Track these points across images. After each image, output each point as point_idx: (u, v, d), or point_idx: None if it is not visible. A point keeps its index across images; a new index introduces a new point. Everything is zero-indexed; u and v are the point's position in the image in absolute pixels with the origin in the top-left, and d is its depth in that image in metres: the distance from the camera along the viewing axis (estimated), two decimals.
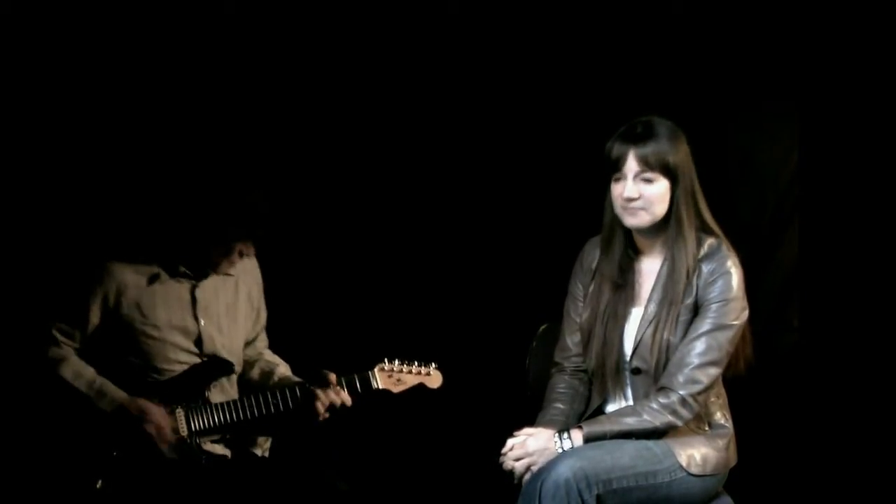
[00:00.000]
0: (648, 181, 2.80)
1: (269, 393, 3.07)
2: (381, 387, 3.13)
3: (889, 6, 3.52)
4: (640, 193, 2.80)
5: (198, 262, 3.10)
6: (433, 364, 3.19)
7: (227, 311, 3.17)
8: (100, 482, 2.93)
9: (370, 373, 3.13)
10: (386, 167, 3.84)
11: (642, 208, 2.81)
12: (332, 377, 3.08)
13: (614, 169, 2.82)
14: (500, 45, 3.78)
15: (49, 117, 3.54)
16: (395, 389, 3.15)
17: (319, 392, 3.05)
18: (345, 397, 3.08)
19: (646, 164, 2.79)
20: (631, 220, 2.84)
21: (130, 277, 3.04)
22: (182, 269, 3.09)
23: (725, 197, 2.94)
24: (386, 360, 3.15)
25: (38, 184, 3.54)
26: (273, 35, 3.70)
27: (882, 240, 3.58)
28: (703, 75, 3.72)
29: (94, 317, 3.02)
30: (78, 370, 3.00)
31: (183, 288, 3.10)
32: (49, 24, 3.51)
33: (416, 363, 3.17)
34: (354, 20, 3.73)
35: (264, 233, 3.08)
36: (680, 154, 2.82)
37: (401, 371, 3.15)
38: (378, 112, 3.80)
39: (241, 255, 3.09)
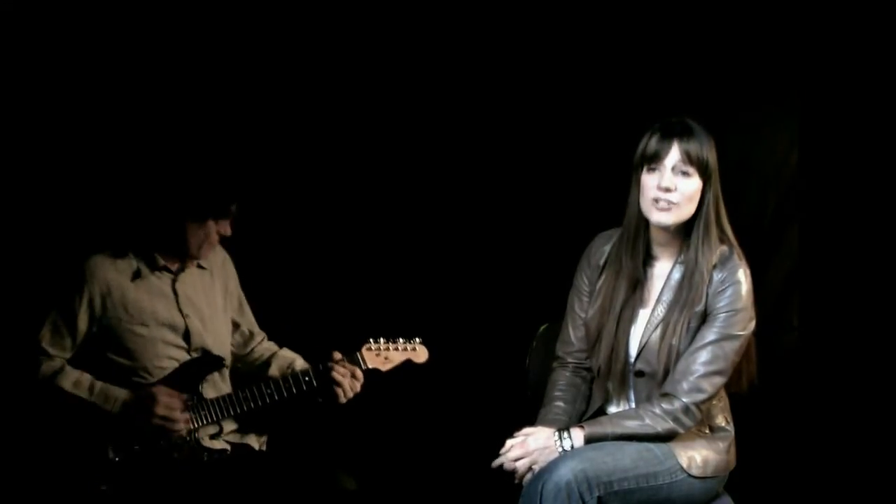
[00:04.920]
0: (686, 174, 2.79)
1: (265, 383, 3.08)
2: (369, 366, 3.14)
3: (889, 6, 3.52)
4: (676, 186, 2.78)
5: (176, 247, 3.08)
6: (418, 339, 3.20)
7: (209, 304, 3.17)
8: (103, 487, 2.93)
9: (358, 353, 3.14)
10: (386, 167, 3.83)
11: (675, 203, 2.79)
12: (336, 353, 3.10)
13: (651, 160, 2.80)
14: (502, 43, 3.77)
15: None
16: (384, 368, 3.16)
17: (335, 368, 3.07)
18: (353, 368, 3.09)
19: (688, 157, 2.78)
20: (659, 217, 2.81)
21: (113, 277, 3.03)
22: (161, 261, 3.08)
23: (725, 197, 2.93)
24: (371, 339, 3.16)
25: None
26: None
27: (882, 240, 3.58)
28: (703, 76, 3.71)
29: (83, 323, 3.01)
30: (76, 379, 2.98)
31: (164, 283, 3.09)
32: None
33: (401, 339, 3.18)
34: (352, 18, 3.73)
35: (238, 208, 3.06)
36: (713, 157, 2.82)
37: (387, 349, 3.16)
38: (376, 99, 3.78)
39: (219, 234, 3.08)
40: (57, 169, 3.54)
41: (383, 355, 3.15)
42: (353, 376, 3.09)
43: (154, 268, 3.08)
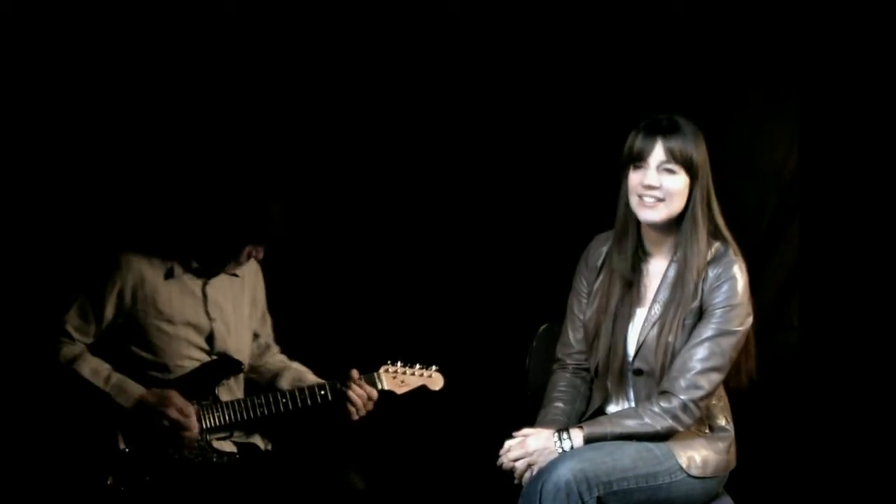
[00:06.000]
0: (671, 172, 2.79)
1: (280, 392, 3.12)
2: (386, 388, 3.19)
3: (889, 6, 3.51)
4: (661, 183, 2.79)
5: (208, 259, 3.13)
6: (434, 367, 3.25)
7: (235, 311, 3.21)
8: (110, 479, 2.95)
9: (376, 374, 3.19)
10: (389, 170, 3.84)
11: (661, 200, 2.79)
12: (355, 372, 3.14)
13: (636, 159, 2.80)
14: (501, 44, 3.78)
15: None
16: (399, 391, 3.21)
17: (352, 387, 3.11)
18: (370, 391, 3.14)
19: (671, 155, 2.78)
20: (647, 214, 2.82)
21: (147, 271, 3.07)
22: (195, 264, 3.13)
23: (725, 196, 2.93)
24: (389, 362, 3.21)
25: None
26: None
27: (882, 239, 3.57)
28: (703, 75, 3.72)
29: (110, 312, 3.05)
30: (95, 367, 3.02)
31: (195, 284, 3.14)
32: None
33: (418, 365, 3.24)
34: (364, 28, 3.74)
35: (276, 237, 3.11)
36: (701, 153, 2.82)
37: (404, 373, 3.22)
38: (382, 119, 3.81)
39: (248, 256, 3.12)
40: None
41: (399, 378, 3.21)
42: (369, 397, 3.13)
43: (187, 269, 3.12)
